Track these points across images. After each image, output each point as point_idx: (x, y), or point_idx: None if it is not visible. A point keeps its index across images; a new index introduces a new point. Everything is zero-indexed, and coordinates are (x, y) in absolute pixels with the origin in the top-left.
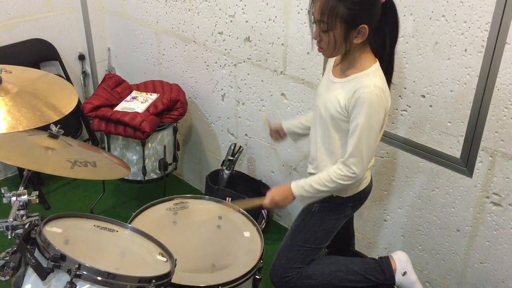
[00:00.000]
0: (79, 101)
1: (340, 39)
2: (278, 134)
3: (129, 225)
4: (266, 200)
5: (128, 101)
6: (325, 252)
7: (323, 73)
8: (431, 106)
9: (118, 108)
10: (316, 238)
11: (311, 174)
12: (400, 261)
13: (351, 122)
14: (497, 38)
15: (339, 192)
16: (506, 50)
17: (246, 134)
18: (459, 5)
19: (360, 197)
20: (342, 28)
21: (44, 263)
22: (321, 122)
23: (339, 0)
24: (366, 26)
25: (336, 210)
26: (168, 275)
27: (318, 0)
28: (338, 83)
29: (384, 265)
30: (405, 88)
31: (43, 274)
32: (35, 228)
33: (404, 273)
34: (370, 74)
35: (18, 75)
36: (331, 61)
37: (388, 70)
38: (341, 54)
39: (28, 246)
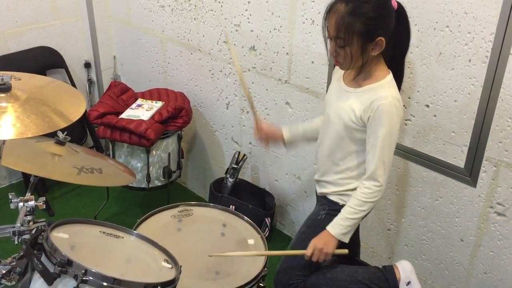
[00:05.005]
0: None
1: (358, 53)
2: (267, 137)
3: (135, 231)
4: (308, 251)
5: (133, 109)
6: (329, 261)
7: (327, 82)
8: (435, 116)
9: (123, 115)
10: None
11: (318, 181)
12: (405, 270)
13: (370, 133)
14: (501, 48)
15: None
16: (510, 60)
17: (250, 143)
18: (463, 16)
19: None
20: (359, 43)
21: (51, 268)
22: (332, 130)
23: (355, 16)
24: (383, 38)
25: None
26: (173, 281)
27: (333, 16)
28: (352, 93)
29: (388, 274)
30: (409, 98)
31: (50, 279)
32: (42, 233)
33: (408, 283)
34: (386, 85)
35: (27, 82)
36: (340, 69)
37: (399, 78)
38: (358, 66)
39: (35, 252)
